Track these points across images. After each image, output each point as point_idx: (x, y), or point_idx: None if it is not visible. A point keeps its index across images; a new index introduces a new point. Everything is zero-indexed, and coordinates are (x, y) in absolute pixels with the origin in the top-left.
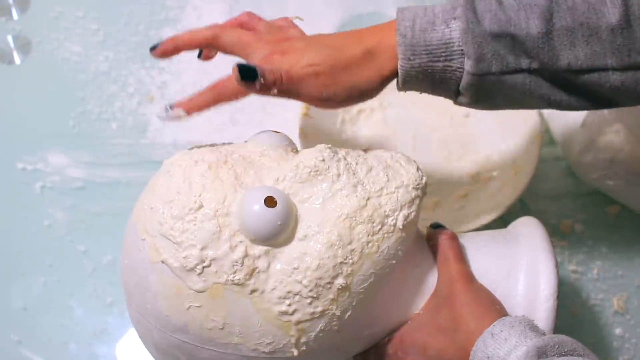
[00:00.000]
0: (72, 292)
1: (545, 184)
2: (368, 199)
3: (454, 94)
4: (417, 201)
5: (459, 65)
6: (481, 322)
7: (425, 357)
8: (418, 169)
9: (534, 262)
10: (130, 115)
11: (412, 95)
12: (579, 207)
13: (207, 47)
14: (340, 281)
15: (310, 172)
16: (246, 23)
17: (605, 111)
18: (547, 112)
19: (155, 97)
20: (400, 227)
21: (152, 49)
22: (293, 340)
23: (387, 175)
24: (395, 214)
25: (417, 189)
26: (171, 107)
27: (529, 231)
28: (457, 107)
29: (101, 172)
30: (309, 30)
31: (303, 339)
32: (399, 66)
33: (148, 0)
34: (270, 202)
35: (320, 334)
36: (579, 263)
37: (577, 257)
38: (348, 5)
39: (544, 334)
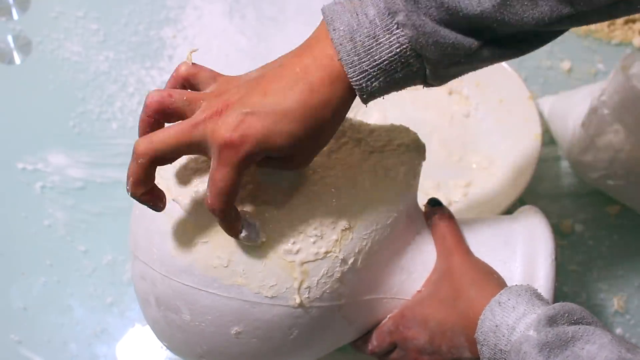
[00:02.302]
0: (72, 292)
1: (545, 184)
2: (371, 152)
3: (422, 84)
4: (416, 161)
5: (419, 66)
6: (481, 289)
7: (426, 330)
8: (418, 136)
9: (530, 232)
10: (130, 115)
11: (412, 95)
12: (579, 207)
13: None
14: (343, 222)
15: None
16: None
17: (605, 111)
18: (547, 112)
19: None
20: (402, 179)
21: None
22: (296, 284)
23: (389, 135)
24: (397, 168)
25: (417, 150)
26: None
27: (525, 211)
28: (457, 107)
29: (101, 172)
30: (308, 30)
31: (306, 284)
32: (357, 93)
33: (148, 0)
34: None
35: (323, 281)
36: (579, 263)
37: (577, 257)
38: None
39: (548, 302)
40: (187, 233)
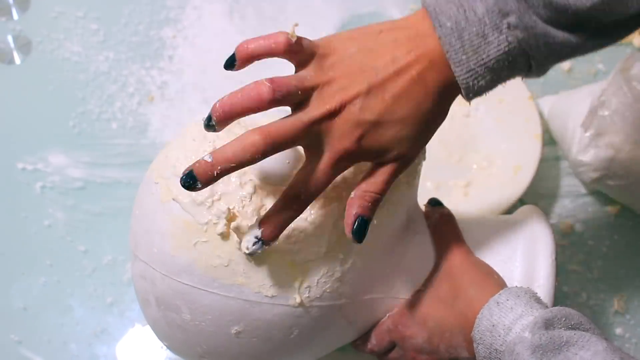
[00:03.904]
0: (72, 292)
1: (545, 184)
2: None
3: (523, 77)
4: (416, 161)
5: (524, 63)
6: (480, 289)
7: (425, 329)
8: None
9: (530, 232)
10: (130, 115)
11: None
12: (579, 207)
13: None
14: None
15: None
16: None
17: (605, 111)
18: (547, 112)
19: (155, 97)
20: (402, 179)
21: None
22: (296, 283)
23: None
24: None
25: None
26: (261, 241)
27: (525, 211)
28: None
29: (101, 172)
30: (308, 30)
31: (306, 284)
32: (464, 93)
33: (148, 0)
34: None
35: (323, 280)
36: (579, 263)
37: (577, 257)
38: (348, 5)
39: (547, 306)
40: (187, 233)
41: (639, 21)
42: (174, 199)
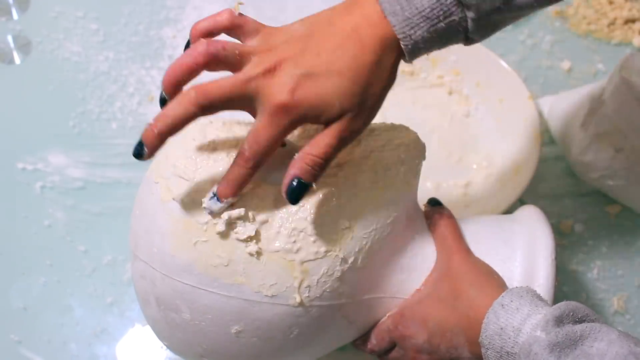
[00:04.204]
0: (72, 292)
1: (545, 184)
2: (371, 152)
3: (463, 41)
4: (416, 161)
5: (462, 16)
6: (481, 289)
7: (425, 329)
8: (418, 136)
9: (530, 232)
10: (130, 115)
11: (412, 95)
12: (579, 207)
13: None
14: (343, 222)
15: (317, 127)
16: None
17: (605, 111)
18: (547, 112)
19: (155, 97)
20: (401, 178)
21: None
22: (296, 283)
23: (389, 135)
24: (397, 167)
25: (417, 149)
26: (216, 197)
27: (525, 211)
28: (457, 107)
29: (101, 172)
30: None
31: (306, 283)
32: (402, 45)
33: (148, 0)
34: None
35: (323, 280)
36: (579, 263)
37: (577, 257)
38: None
39: (548, 303)
40: (187, 232)
41: None
42: (174, 199)
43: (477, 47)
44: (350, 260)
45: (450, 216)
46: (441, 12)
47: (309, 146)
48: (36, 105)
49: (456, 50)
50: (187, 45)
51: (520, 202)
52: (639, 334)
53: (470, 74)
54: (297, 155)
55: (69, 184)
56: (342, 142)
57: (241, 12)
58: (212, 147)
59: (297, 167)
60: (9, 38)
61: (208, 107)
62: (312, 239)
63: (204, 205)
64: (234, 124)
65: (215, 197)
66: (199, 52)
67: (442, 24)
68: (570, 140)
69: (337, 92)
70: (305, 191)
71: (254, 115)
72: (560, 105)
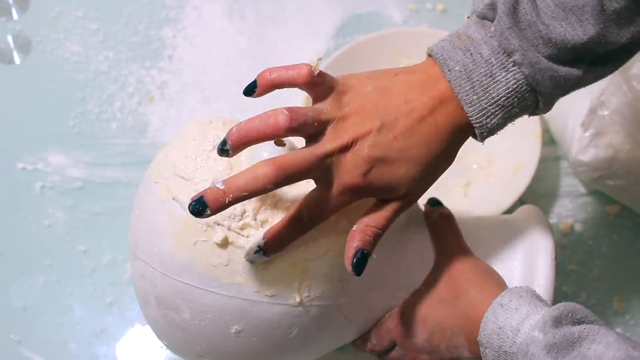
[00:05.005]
0: (72, 292)
1: (545, 184)
2: None
3: (531, 114)
4: None
5: (532, 98)
6: (481, 289)
7: (425, 329)
8: None
9: (530, 232)
10: (130, 115)
11: None
12: (579, 207)
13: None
14: (343, 222)
15: None
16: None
17: (605, 111)
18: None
19: (155, 97)
20: None
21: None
22: (296, 283)
23: None
24: None
25: None
26: (262, 250)
27: (525, 211)
28: None
29: (101, 172)
30: (308, 30)
31: (306, 283)
32: (477, 132)
33: (148, 0)
34: (279, 142)
35: (323, 279)
36: (579, 263)
37: (577, 257)
38: (348, 5)
39: (547, 303)
40: (187, 232)
41: (630, 51)
42: (173, 199)
43: None
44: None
45: (450, 216)
46: (516, 100)
47: (368, 218)
48: (36, 105)
49: None
50: (250, 87)
51: (520, 202)
52: (639, 334)
53: None
54: (357, 227)
55: (69, 183)
56: (399, 214)
57: (320, 69)
58: (211, 146)
59: (359, 239)
60: (9, 38)
61: (284, 183)
62: (312, 239)
63: (246, 255)
64: (234, 123)
65: (262, 251)
66: (280, 123)
67: (516, 109)
68: (570, 140)
69: (407, 179)
70: (367, 261)
71: (317, 183)
72: (560, 105)
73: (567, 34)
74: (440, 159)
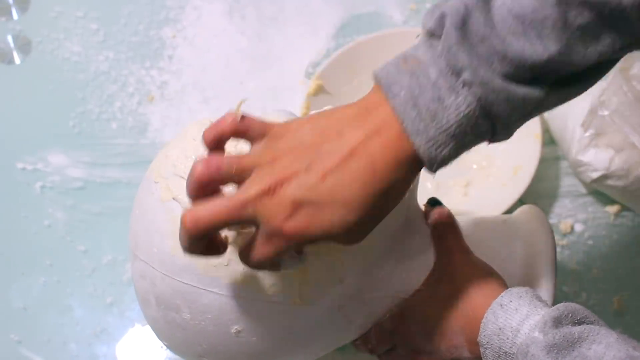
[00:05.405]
0: (72, 292)
1: (545, 184)
2: None
3: (488, 142)
4: None
5: (488, 125)
6: (481, 289)
7: (425, 329)
8: None
9: (530, 232)
10: (130, 115)
11: None
12: (579, 207)
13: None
14: None
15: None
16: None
17: (605, 111)
18: (547, 112)
19: (155, 97)
20: None
21: None
22: (296, 283)
23: None
24: None
25: None
26: None
27: (525, 211)
28: None
29: (101, 172)
30: (308, 30)
31: (306, 283)
32: (426, 164)
33: (148, 0)
34: None
35: (323, 279)
36: (579, 263)
37: (577, 257)
38: (348, 5)
39: (547, 303)
40: None
41: (600, 70)
42: (174, 198)
43: None
44: (350, 260)
45: (450, 216)
46: (468, 127)
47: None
48: (36, 105)
49: None
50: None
51: (520, 202)
52: (639, 334)
53: None
54: None
55: (69, 184)
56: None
57: (244, 114)
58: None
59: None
60: (9, 38)
61: (207, 234)
62: None
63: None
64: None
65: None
66: (195, 177)
67: (469, 137)
68: (570, 140)
69: (340, 224)
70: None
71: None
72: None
73: (525, 51)
74: (382, 198)
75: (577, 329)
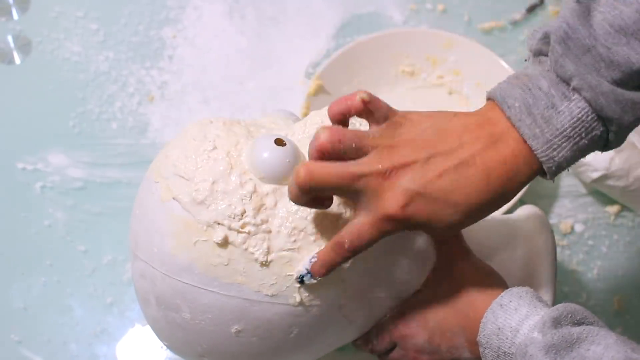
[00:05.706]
0: (72, 292)
1: (545, 184)
2: None
3: (602, 149)
4: None
5: (603, 129)
6: (481, 289)
7: (426, 329)
8: None
9: (530, 232)
10: (130, 115)
11: (412, 96)
12: (579, 207)
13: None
14: (344, 222)
15: (317, 127)
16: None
17: None
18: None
19: (155, 97)
20: None
21: None
22: (296, 283)
23: None
24: None
25: None
26: (310, 274)
27: (525, 211)
28: (457, 107)
29: (101, 172)
30: (308, 30)
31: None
32: (545, 169)
33: (148, 0)
34: (279, 142)
35: (323, 279)
36: (579, 263)
37: (577, 257)
38: (348, 5)
39: (547, 304)
40: (187, 232)
41: None
42: (174, 198)
43: (477, 47)
44: (351, 260)
45: None
46: (583, 130)
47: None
48: (36, 105)
49: (456, 50)
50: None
51: (520, 202)
52: (639, 334)
53: (470, 74)
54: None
55: (69, 184)
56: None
57: (376, 97)
58: (212, 147)
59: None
60: (9, 38)
61: (315, 191)
62: (312, 238)
63: (296, 278)
64: (234, 123)
65: (310, 275)
66: (318, 145)
67: (584, 141)
68: None
69: (446, 222)
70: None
71: (356, 206)
72: None
73: (630, 57)
74: (488, 206)
75: (577, 330)
